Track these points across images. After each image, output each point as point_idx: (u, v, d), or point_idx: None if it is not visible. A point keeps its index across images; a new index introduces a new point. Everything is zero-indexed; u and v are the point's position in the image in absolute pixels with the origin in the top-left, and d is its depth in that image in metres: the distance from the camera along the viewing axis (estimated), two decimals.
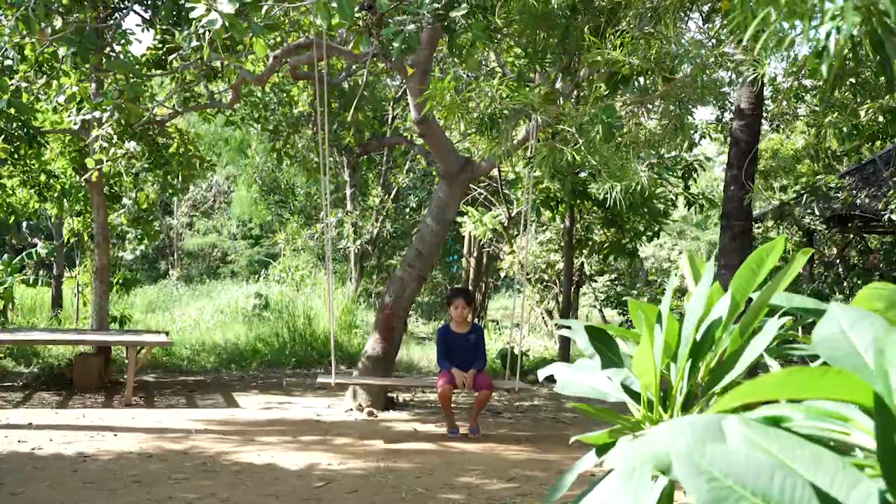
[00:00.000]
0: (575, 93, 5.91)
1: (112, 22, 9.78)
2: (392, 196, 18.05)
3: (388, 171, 18.40)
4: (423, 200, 18.32)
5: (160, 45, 10.71)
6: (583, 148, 4.17)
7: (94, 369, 9.38)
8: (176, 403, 8.68)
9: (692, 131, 12.06)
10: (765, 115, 10.77)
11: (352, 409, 8.35)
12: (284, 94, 13.24)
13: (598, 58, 4.28)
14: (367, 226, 17.44)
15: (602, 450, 2.47)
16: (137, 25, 9.58)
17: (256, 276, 24.15)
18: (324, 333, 12.98)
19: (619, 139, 4.46)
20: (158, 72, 10.32)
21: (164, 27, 9.48)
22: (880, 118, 8.64)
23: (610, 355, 2.49)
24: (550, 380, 9.87)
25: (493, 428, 7.78)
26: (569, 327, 2.59)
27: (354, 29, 5.49)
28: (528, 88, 4.42)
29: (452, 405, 7.59)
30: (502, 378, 10.53)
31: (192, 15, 4.73)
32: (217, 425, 7.43)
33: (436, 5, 4.54)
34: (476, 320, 17.27)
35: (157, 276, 28.04)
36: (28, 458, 5.87)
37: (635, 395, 2.40)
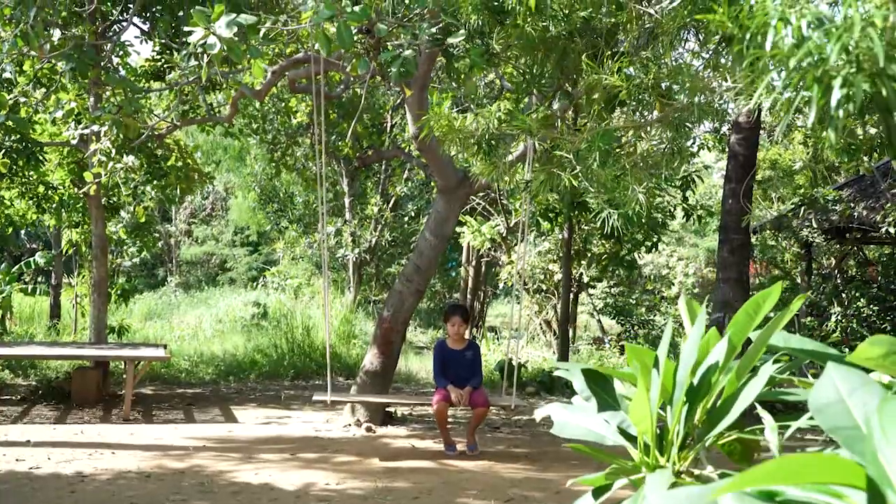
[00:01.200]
0: (572, 112, 5.93)
1: (111, 34, 9.78)
2: (391, 205, 18.07)
3: (387, 180, 18.43)
4: (421, 209, 18.35)
5: (159, 57, 10.74)
6: (581, 174, 4.18)
7: (93, 383, 9.37)
8: (174, 418, 8.67)
9: (689, 141, 12.04)
10: (763, 127, 10.79)
11: (350, 425, 8.34)
12: (283, 104, 13.26)
13: (596, 83, 4.30)
14: (365, 234, 17.45)
15: (599, 492, 2.48)
16: (136, 37, 9.60)
17: (255, 284, 24.16)
18: (322, 345, 12.97)
19: (617, 163, 4.47)
20: (157, 87, 10.34)
21: (163, 41, 9.49)
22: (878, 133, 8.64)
23: (606, 398, 2.50)
24: (546, 390, 9.76)
25: (491, 444, 7.78)
26: (566, 369, 2.60)
27: (353, 52, 5.50)
28: (524, 113, 4.43)
29: (450, 419, 7.59)
30: (500, 390, 10.54)
31: (191, 39, 4.74)
32: (215, 442, 7.43)
33: (433, 30, 4.55)
34: (474, 330, 17.29)
35: (156, 284, 28.05)
36: (26, 479, 5.87)
37: (632, 439, 2.41)
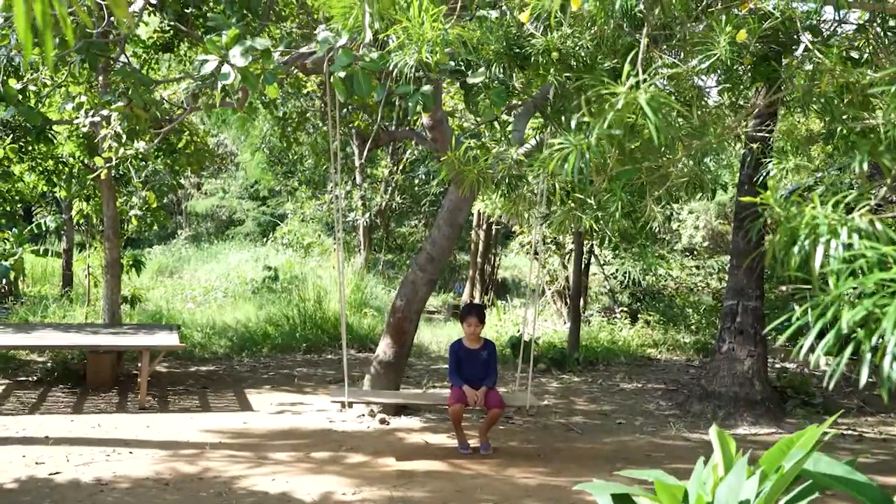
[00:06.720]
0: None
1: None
2: (401, 167, 17.96)
3: (397, 140, 18.29)
4: (431, 171, 18.23)
5: (168, 28, 10.61)
6: (601, 219, 4.13)
7: (107, 366, 9.46)
8: (189, 405, 8.75)
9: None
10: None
11: (364, 415, 8.41)
12: (294, 71, 13.09)
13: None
14: (375, 198, 17.37)
15: None
16: (145, 10, 9.40)
17: (264, 239, 24.16)
18: (334, 315, 13.03)
19: (639, 200, 4.42)
20: (166, 78, 10.22)
21: (172, 22, 9.35)
22: None
23: None
24: (557, 366, 9.76)
25: (503, 438, 7.83)
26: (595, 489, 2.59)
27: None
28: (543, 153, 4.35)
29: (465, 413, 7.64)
30: (513, 366, 10.61)
31: (205, 69, 4.65)
32: (230, 438, 7.50)
33: (451, 63, 4.45)
34: (484, 296, 17.31)
35: (166, 236, 28.10)
36: (46, 489, 5.93)
37: None
